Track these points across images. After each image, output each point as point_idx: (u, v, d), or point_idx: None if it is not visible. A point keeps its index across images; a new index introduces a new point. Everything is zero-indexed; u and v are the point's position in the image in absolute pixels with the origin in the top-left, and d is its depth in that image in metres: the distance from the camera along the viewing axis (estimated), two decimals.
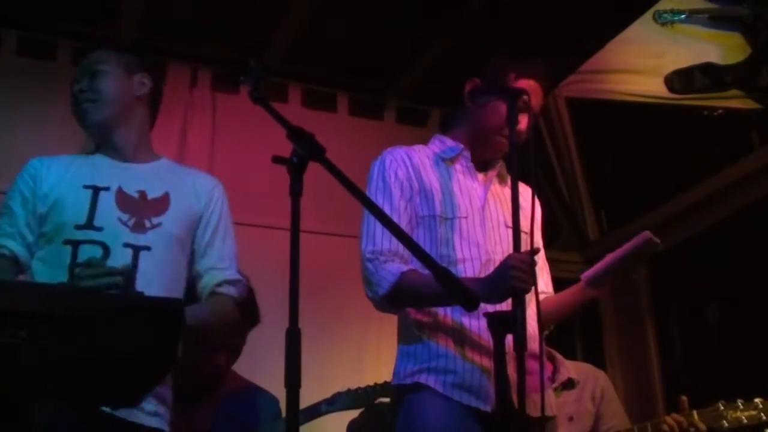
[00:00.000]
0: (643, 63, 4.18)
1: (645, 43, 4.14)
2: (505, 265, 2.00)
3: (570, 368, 3.07)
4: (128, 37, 4.04)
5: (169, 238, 2.25)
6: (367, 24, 4.06)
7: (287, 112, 1.83)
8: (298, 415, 1.55)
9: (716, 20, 4.07)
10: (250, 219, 4.11)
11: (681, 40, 4.09)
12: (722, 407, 2.66)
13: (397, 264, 2.17)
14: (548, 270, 2.45)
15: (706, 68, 4.00)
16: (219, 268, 2.34)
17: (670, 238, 4.14)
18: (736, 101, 3.94)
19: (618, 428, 2.99)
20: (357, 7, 3.91)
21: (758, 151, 3.77)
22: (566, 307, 2.35)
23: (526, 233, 2.25)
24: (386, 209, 2.24)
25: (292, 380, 1.54)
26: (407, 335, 2.28)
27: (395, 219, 2.22)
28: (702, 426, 2.66)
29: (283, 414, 1.64)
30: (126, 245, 2.17)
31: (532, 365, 2.13)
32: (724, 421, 2.63)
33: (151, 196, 2.28)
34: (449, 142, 2.41)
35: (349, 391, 3.01)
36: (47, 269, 2.12)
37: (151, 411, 2.10)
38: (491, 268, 2.12)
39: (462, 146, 2.38)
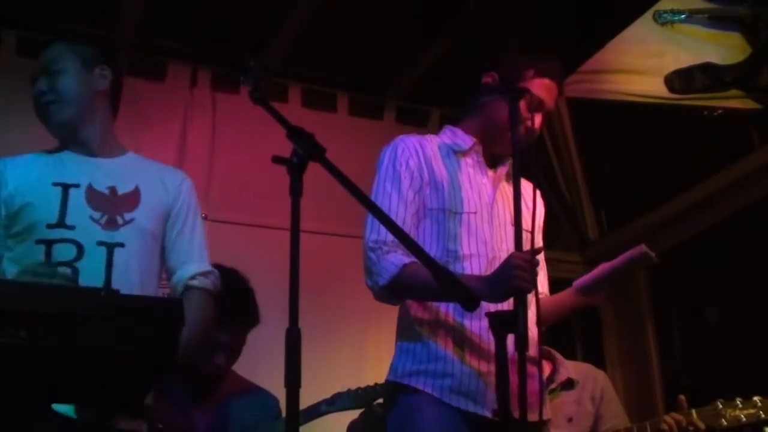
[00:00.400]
0: (643, 63, 4.17)
1: (645, 43, 4.14)
2: (508, 264, 1.99)
3: (570, 368, 3.06)
4: (128, 37, 4.04)
5: (142, 233, 2.23)
6: (367, 24, 4.06)
7: (287, 112, 1.83)
8: (298, 415, 1.55)
9: (716, 20, 4.07)
10: (250, 219, 4.12)
11: (681, 40, 4.09)
12: (721, 406, 2.66)
13: (399, 255, 2.15)
14: (546, 270, 2.44)
15: (706, 68, 4.00)
16: (191, 261, 2.32)
17: (670, 238, 4.16)
18: (736, 101, 3.94)
19: (618, 428, 2.99)
20: (357, 7, 3.91)
21: (758, 151, 3.76)
22: (559, 310, 2.35)
23: (529, 232, 2.26)
24: (394, 198, 2.24)
25: (292, 380, 1.54)
26: (407, 332, 2.26)
27: (402, 209, 2.23)
28: (701, 425, 2.66)
29: (283, 414, 1.64)
30: (99, 243, 2.14)
31: (530, 369, 2.12)
32: (723, 420, 2.63)
33: (121, 191, 2.26)
34: (461, 134, 2.39)
35: (349, 391, 3.01)
36: (20, 270, 2.06)
37: None
38: (497, 266, 2.11)
39: (474, 140, 2.36)
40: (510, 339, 1.89)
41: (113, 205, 2.22)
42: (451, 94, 2.61)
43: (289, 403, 1.53)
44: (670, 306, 4.21)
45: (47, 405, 1.76)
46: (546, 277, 2.43)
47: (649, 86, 4.13)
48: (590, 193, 4.60)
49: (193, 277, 2.29)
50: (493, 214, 2.28)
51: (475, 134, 2.37)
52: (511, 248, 2.15)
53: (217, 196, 4.13)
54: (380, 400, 3.01)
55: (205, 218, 4.07)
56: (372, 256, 2.19)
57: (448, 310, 2.19)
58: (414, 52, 4.32)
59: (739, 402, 2.65)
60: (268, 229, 3.96)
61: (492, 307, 2.05)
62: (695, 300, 4.04)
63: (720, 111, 3.98)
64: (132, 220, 2.22)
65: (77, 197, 2.19)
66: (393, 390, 2.24)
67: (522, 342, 1.87)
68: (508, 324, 1.90)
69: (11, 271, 2.12)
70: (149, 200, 2.29)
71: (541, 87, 2.29)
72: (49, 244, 2.11)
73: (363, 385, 3.02)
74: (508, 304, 2.01)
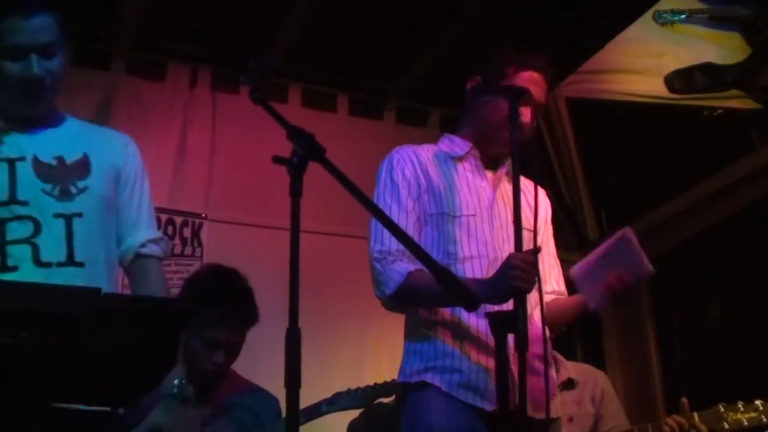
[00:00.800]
0: (643, 63, 4.17)
1: (645, 43, 4.14)
2: (507, 265, 2.00)
3: (570, 369, 3.07)
4: (128, 37, 4.04)
5: (98, 200, 2.14)
6: (367, 24, 4.06)
7: (287, 112, 1.83)
8: (298, 415, 1.55)
9: (716, 20, 4.07)
10: (250, 219, 4.13)
11: (681, 40, 4.09)
12: (723, 409, 2.66)
13: (404, 264, 2.18)
14: (560, 268, 2.45)
15: (706, 68, 3.99)
16: (140, 227, 2.24)
17: (670, 238, 4.16)
18: (736, 101, 3.94)
19: (618, 429, 2.99)
20: (357, 7, 3.91)
21: (758, 151, 3.76)
22: (569, 315, 2.36)
23: (531, 231, 2.26)
24: (394, 208, 2.26)
25: (292, 380, 1.54)
26: (414, 333, 2.28)
27: (403, 218, 2.25)
28: (703, 428, 2.66)
29: (283, 414, 1.64)
30: (56, 216, 2.05)
31: (538, 366, 2.13)
32: (725, 423, 2.63)
33: (69, 160, 2.14)
34: (458, 140, 2.41)
35: (349, 391, 3.01)
36: None
37: None
38: (498, 266, 2.12)
39: (470, 144, 2.37)
40: (511, 338, 1.90)
41: (63, 175, 2.11)
42: (451, 94, 2.61)
43: (289, 403, 1.53)
44: (670, 306, 4.21)
45: (47, 405, 1.76)
46: (561, 275, 2.44)
47: (649, 86, 4.12)
48: (590, 193, 4.59)
49: (143, 245, 2.22)
50: (494, 216, 2.29)
51: (471, 139, 2.39)
52: (506, 254, 2.16)
53: (217, 196, 4.14)
54: (380, 400, 3.01)
55: (205, 218, 4.10)
56: (378, 266, 2.21)
57: (453, 310, 2.20)
58: (414, 52, 4.32)
59: (740, 405, 2.65)
60: (268, 229, 3.96)
61: (494, 307, 2.06)
62: (695, 300, 4.03)
63: (720, 111, 3.98)
64: (86, 188, 2.12)
65: (25, 171, 2.07)
66: (403, 390, 2.26)
67: (522, 342, 1.87)
68: (507, 324, 1.90)
69: None
70: (99, 166, 2.18)
71: (524, 80, 2.29)
72: (2, 223, 2.01)
73: (363, 385, 3.02)
74: (509, 304, 2.01)
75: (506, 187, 2.36)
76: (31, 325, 1.43)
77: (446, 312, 2.21)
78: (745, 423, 2.62)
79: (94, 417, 1.81)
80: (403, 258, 2.18)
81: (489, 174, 2.37)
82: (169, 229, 4.02)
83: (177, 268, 3.77)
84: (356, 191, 1.74)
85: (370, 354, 4.14)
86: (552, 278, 2.42)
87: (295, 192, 1.66)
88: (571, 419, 2.97)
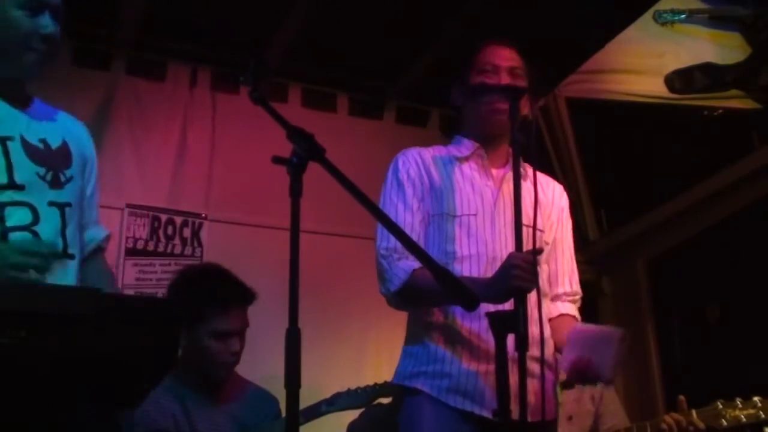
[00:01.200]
0: (643, 63, 4.17)
1: (645, 43, 4.14)
2: (507, 264, 2.00)
3: None
4: (128, 37, 4.04)
5: (79, 191, 2.07)
6: (367, 24, 4.06)
7: (287, 112, 1.83)
8: (298, 415, 1.55)
9: (716, 20, 4.07)
10: (250, 219, 4.13)
11: (681, 40, 4.09)
12: (721, 406, 2.65)
13: (410, 261, 2.18)
14: (574, 266, 2.42)
15: (706, 68, 4.00)
16: (98, 221, 2.20)
17: (670, 238, 4.16)
18: (736, 101, 3.94)
19: (618, 427, 2.99)
20: (357, 7, 3.91)
21: (758, 151, 3.76)
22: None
23: (541, 231, 2.26)
24: (400, 207, 2.28)
25: (292, 380, 1.54)
26: (411, 336, 2.31)
27: (409, 216, 2.27)
28: (701, 425, 2.66)
29: (283, 414, 1.64)
30: (51, 204, 1.96)
31: (533, 368, 2.12)
32: (723, 420, 2.63)
33: (53, 146, 2.03)
34: (465, 141, 2.41)
35: (348, 391, 3.01)
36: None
37: None
38: (498, 266, 2.12)
39: (476, 144, 2.37)
40: (510, 339, 1.90)
41: (51, 161, 1.99)
42: (451, 95, 2.61)
43: (289, 403, 1.54)
44: (670, 306, 4.21)
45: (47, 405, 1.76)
46: (575, 276, 2.41)
47: (649, 86, 4.13)
48: (590, 193, 4.59)
49: (105, 239, 2.19)
50: (497, 214, 2.28)
51: (475, 138, 2.39)
52: (506, 253, 2.16)
53: (217, 196, 4.14)
54: (380, 400, 3.02)
55: (205, 218, 4.10)
56: (384, 263, 2.23)
57: (447, 312, 2.21)
58: (414, 52, 4.32)
59: (739, 402, 2.65)
60: (268, 229, 3.96)
61: (493, 307, 2.06)
62: (695, 300, 4.03)
63: (720, 111, 3.98)
64: (71, 177, 2.04)
65: (17, 152, 1.94)
66: (398, 393, 2.30)
67: (522, 342, 1.87)
68: (508, 324, 1.90)
69: None
70: (76, 155, 2.09)
71: (486, 54, 2.36)
72: (1, 207, 1.88)
73: (363, 385, 3.02)
74: (509, 304, 2.01)
75: (511, 186, 2.35)
76: (31, 325, 1.44)
77: (440, 314, 2.21)
78: (744, 419, 2.62)
79: (95, 417, 1.82)
80: (410, 256, 2.18)
81: (495, 172, 2.36)
82: (169, 229, 4.02)
83: (177, 268, 3.76)
84: (356, 191, 1.74)
85: (370, 354, 4.14)
86: (565, 278, 2.39)
87: (295, 192, 1.66)
88: (570, 418, 2.97)
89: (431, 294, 2.13)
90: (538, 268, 2.05)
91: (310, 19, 3.98)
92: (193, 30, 4.10)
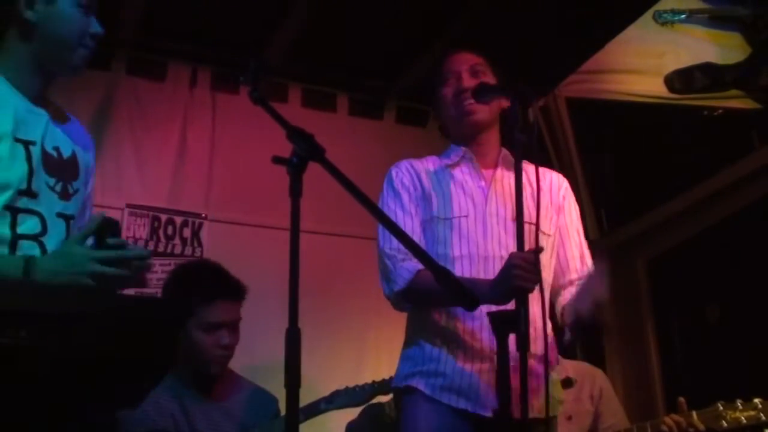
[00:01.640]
0: (643, 63, 4.17)
1: (645, 43, 4.14)
2: (508, 264, 2.01)
3: (568, 367, 3.06)
4: (128, 37, 4.04)
5: (82, 203, 2.05)
6: (367, 24, 4.06)
7: (287, 112, 1.84)
8: (297, 415, 1.55)
9: (716, 20, 4.07)
10: (250, 219, 4.13)
11: (681, 40, 4.09)
12: (721, 407, 2.66)
13: (414, 262, 2.20)
14: (584, 249, 2.44)
15: (706, 68, 3.99)
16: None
17: (670, 238, 4.16)
18: (736, 101, 3.94)
19: (617, 427, 2.99)
20: (357, 7, 3.91)
21: (758, 151, 3.76)
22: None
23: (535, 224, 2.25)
24: (399, 213, 2.32)
25: (292, 380, 1.54)
26: (408, 338, 2.34)
27: (408, 220, 2.31)
28: (701, 426, 2.66)
29: (283, 413, 1.64)
30: (59, 215, 1.94)
31: (534, 366, 2.13)
32: (723, 422, 2.63)
33: (65, 155, 1.99)
34: (454, 148, 2.46)
35: (347, 389, 3.01)
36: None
37: None
38: (491, 265, 2.16)
39: (464, 149, 2.41)
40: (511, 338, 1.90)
41: (62, 172, 1.97)
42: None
43: (289, 403, 1.53)
44: (670, 306, 4.21)
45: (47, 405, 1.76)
46: (584, 257, 2.43)
47: (649, 86, 4.12)
48: (590, 193, 4.59)
49: None
50: (488, 214, 2.30)
51: (461, 143, 2.43)
52: (512, 244, 2.17)
53: (217, 196, 4.14)
54: (378, 399, 3.02)
55: (205, 218, 4.10)
56: (388, 263, 2.26)
57: (445, 312, 2.22)
58: (414, 52, 4.32)
59: (739, 404, 2.65)
60: (268, 229, 3.96)
61: (494, 307, 2.06)
62: (695, 300, 4.03)
63: (720, 111, 3.98)
64: (77, 191, 2.01)
65: (36, 159, 1.90)
66: (396, 395, 2.33)
67: (523, 342, 1.88)
68: (509, 324, 1.90)
69: None
70: (82, 167, 2.06)
71: (446, 64, 2.46)
72: (15, 212, 1.85)
73: (362, 383, 3.03)
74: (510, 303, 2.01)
75: (507, 181, 2.37)
76: (31, 325, 1.44)
77: (439, 315, 2.24)
78: (744, 421, 2.62)
79: (95, 417, 1.82)
80: (413, 257, 2.19)
81: (487, 173, 2.39)
82: (169, 229, 4.02)
83: None
84: (356, 191, 1.74)
85: (370, 354, 4.14)
86: (575, 262, 2.41)
87: (295, 192, 1.66)
88: (570, 418, 2.97)
89: (435, 295, 2.14)
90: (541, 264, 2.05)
91: (309, 19, 3.98)
92: (193, 30, 4.10)
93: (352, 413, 3.17)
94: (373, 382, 2.99)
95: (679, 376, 4.05)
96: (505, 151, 2.44)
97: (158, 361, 1.60)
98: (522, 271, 1.97)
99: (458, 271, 2.21)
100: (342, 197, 1.81)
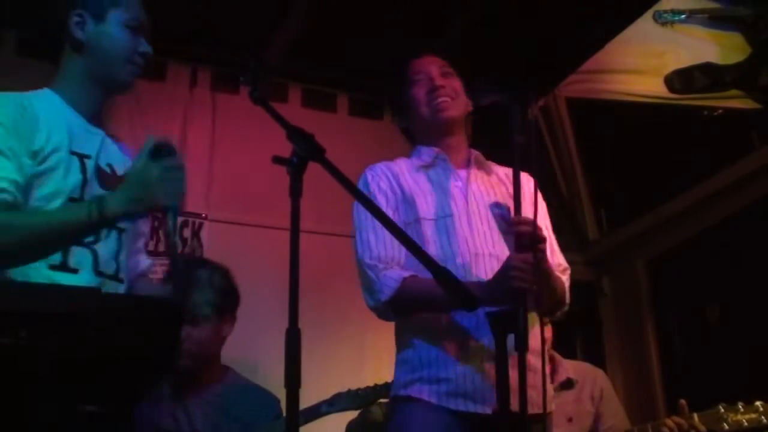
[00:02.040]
0: (643, 63, 4.18)
1: (645, 43, 4.14)
2: (506, 266, 2.01)
3: (569, 368, 3.06)
4: None
5: (135, 220, 2.12)
6: (367, 24, 4.06)
7: (287, 112, 1.83)
8: (298, 416, 1.55)
9: (716, 20, 4.08)
10: (250, 219, 4.13)
11: (681, 40, 4.09)
12: (723, 410, 2.66)
13: (397, 270, 2.19)
14: (553, 245, 2.39)
15: (706, 68, 4.00)
16: (142, 251, 2.24)
17: (670, 238, 4.16)
18: (736, 101, 3.94)
19: (618, 427, 2.99)
20: (357, 7, 3.91)
21: (758, 151, 3.76)
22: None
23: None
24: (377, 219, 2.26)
25: (292, 380, 1.54)
26: (400, 341, 2.31)
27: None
28: (702, 428, 2.66)
29: (283, 414, 1.64)
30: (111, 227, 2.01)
31: (531, 362, 2.12)
32: (725, 424, 2.63)
33: (118, 172, 2.09)
34: (424, 149, 2.45)
35: (348, 391, 3.01)
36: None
37: None
38: (482, 262, 2.16)
39: (435, 149, 2.41)
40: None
41: (116, 186, 2.01)
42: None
43: (289, 404, 1.53)
44: (670, 306, 4.21)
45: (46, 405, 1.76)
46: (554, 250, 2.39)
47: (649, 86, 4.13)
48: (590, 193, 4.60)
49: (148, 268, 2.24)
50: (471, 213, 2.30)
51: (432, 144, 2.43)
52: (497, 240, 2.21)
53: (217, 196, 4.14)
54: (380, 401, 3.02)
55: (205, 218, 4.10)
56: (371, 274, 2.22)
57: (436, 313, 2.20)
58: (414, 52, 4.31)
59: (740, 406, 2.65)
60: (268, 229, 3.96)
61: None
62: (695, 300, 4.03)
63: (720, 111, 3.99)
64: None
65: (90, 172, 2.01)
66: (392, 403, 2.29)
67: (522, 342, 1.88)
68: (507, 323, 1.90)
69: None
70: None
71: (412, 66, 2.53)
72: None
73: (363, 385, 3.02)
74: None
75: (481, 180, 2.38)
76: (31, 325, 1.43)
77: (430, 317, 2.20)
78: (745, 424, 2.62)
79: (95, 417, 1.82)
80: (394, 265, 2.20)
81: (461, 173, 2.39)
82: None
83: None
84: (356, 191, 1.74)
85: (370, 354, 4.13)
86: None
87: (295, 192, 1.66)
88: (570, 419, 2.97)
89: (425, 300, 2.14)
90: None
91: (310, 19, 3.98)
92: (193, 30, 4.10)
93: (353, 415, 3.17)
94: (375, 385, 2.98)
95: (679, 376, 4.06)
96: (475, 152, 2.45)
97: (158, 361, 1.60)
98: (520, 272, 1.97)
99: (451, 270, 2.19)
100: (342, 197, 1.81)
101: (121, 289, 2.05)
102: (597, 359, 4.10)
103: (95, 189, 2.01)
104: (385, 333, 3.98)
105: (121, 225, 2.04)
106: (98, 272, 1.98)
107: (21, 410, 1.58)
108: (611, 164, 4.61)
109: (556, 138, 4.59)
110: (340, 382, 3.11)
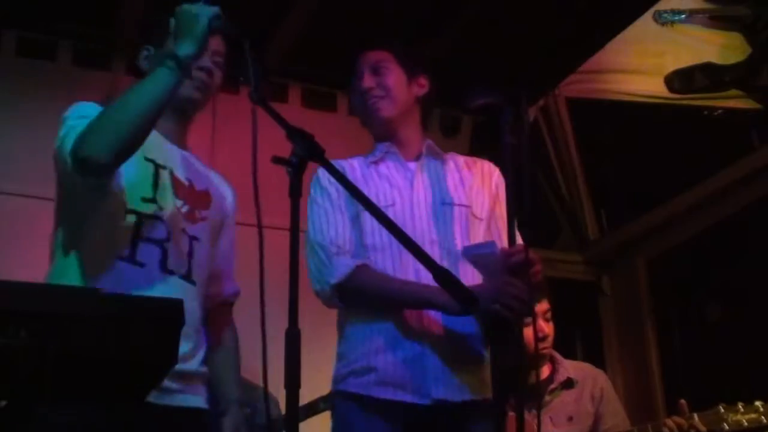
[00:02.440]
0: (643, 63, 4.18)
1: (645, 43, 4.14)
2: (500, 291, 1.99)
3: (569, 368, 3.06)
4: (128, 37, 4.04)
5: (210, 233, 2.21)
6: (366, 24, 4.06)
7: (287, 112, 1.84)
8: (297, 416, 1.55)
9: (716, 20, 4.08)
10: (251, 219, 4.11)
11: (681, 40, 4.09)
12: (723, 410, 2.65)
13: (350, 258, 2.17)
14: (501, 233, 2.30)
15: (706, 68, 4.00)
16: (230, 276, 2.33)
17: (670, 237, 4.16)
18: (736, 101, 3.94)
19: (618, 428, 2.99)
20: (357, 7, 3.91)
21: (758, 151, 3.77)
22: None
23: (467, 206, 2.27)
24: (329, 208, 2.27)
25: (292, 380, 1.54)
26: (339, 337, 2.30)
27: (339, 216, 2.26)
28: (702, 428, 2.66)
29: (283, 413, 1.64)
30: (183, 231, 2.09)
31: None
32: (725, 424, 2.63)
33: (197, 188, 2.21)
34: (377, 145, 2.44)
35: None
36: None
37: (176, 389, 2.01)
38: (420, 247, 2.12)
39: (386, 144, 2.40)
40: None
41: (193, 199, 2.16)
42: (450, 94, 2.62)
43: (289, 403, 1.53)
44: (670, 306, 4.21)
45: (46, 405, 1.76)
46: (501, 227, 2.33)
47: (649, 86, 4.13)
48: (590, 193, 4.60)
49: (234, 295, 2.33)
50: (414, 199, 2.28)
51: (382, 140, 2.42)
52: (438, 229, 2.21)
53: None
54: None
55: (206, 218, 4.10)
56: (322, 255, 2.20)
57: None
58: (414, 51, 4.32)
59: (740, 406, 2.64)
60: (268, 229, 3.94)
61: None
62: (695, 299, 4.04)
63: (720, 111, 3.99)
64: (206, 218, 2.19)
65: (165, 179, 2.11)
66: (332, 398, 2.29)
67: (520, 341, 1.88)
68: (503, 329, 1.91)
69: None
70: (216, 204, 2.27)
71: (355, 65, 2.53)
72: (140, 217, 2.02)
73: None
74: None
75: (432, 168, 2.36)
76: (31, 325, 1.43)
77: (364, 309, 2.19)
78: (745, 424, 2.62)
79: (95, 417, 1.82)
80: (346, 254, 2.18)
81: (411, 164, 2.37)
82: None
83: None
84: (356, 191, 1.75)
85: None
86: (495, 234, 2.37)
87: (295, 192, 1.66)
88: (570, 418, 2.97)
89: (375, 293, 2.14)
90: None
91: (310, 19, 3.98)
92: None
93: None
94: None
95: (679, 376, 4.06)
96: (429, 141, 2.41)
97: (158, 362, 1.60)
98: (510, 299, 1.96)
99: (388, 258, 2.18)
100: None
101: (192, 290, 2.07)
102: (597, 359, 4.10)
103: (169, 195, 2.09)
104: None
105: (192, 232, 2.11)
106: (166, 269, 2.02)
107: (21, 410, 1.58)
108: (611, 164, 4.61)
109: (556, 138, 4.59)
110: None
